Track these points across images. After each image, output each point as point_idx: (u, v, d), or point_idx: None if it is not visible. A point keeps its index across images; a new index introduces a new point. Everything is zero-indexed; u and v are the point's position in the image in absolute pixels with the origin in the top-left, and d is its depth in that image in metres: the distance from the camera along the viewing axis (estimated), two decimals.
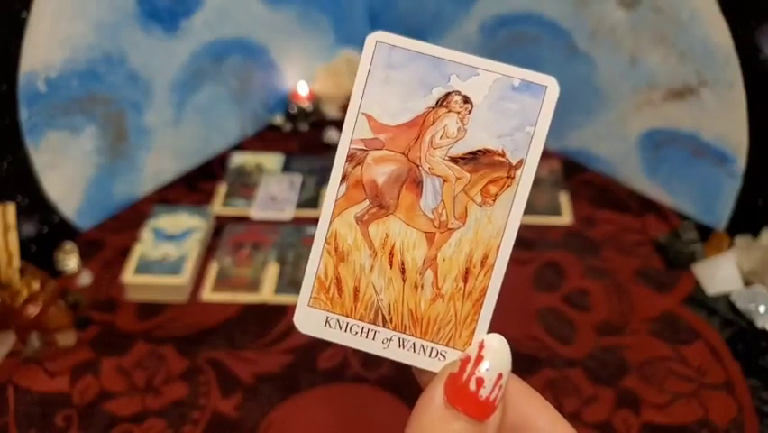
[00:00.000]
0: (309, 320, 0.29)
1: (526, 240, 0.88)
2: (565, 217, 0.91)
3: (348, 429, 0.66)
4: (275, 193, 0.95)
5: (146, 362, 0.73)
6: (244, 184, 0.97)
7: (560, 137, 1.01)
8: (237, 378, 0.71)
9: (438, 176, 0.28)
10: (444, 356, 0.28)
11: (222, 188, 0.97)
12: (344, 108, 1.25)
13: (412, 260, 0.28)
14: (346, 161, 0.29)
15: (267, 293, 0.80)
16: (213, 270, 0.83)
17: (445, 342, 0.28)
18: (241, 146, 1.06)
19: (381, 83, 0.28)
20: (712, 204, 0.86)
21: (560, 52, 0.94)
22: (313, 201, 0.94)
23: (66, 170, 0.84)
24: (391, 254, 0.28)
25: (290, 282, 0.82)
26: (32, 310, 0.72)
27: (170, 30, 0.90)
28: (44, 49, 0.77)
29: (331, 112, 1.13)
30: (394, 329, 0.29)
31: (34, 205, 0.82)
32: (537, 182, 0.95)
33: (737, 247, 0.81)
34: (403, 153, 0.28)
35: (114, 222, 0.92)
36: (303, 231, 0.89)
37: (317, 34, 1.11)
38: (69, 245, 0.84)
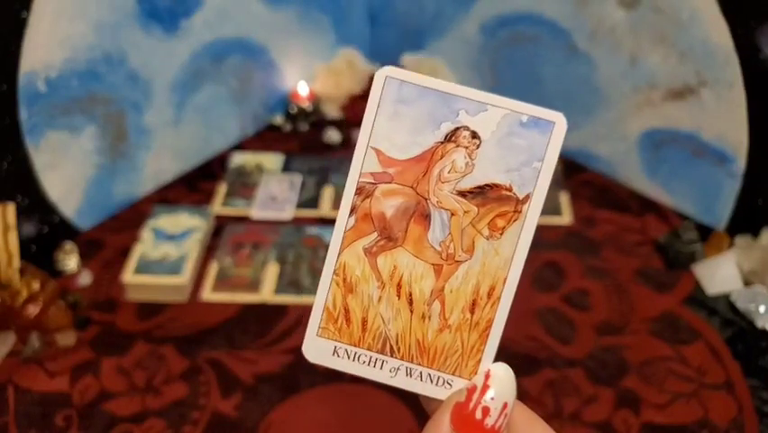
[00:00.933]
0: (318, 350, 0.30)
1: None
2: (565, 217, 0.91)
3: (348, 429, 0.66)
4: (275, 193, 0.95)
5: (146, 362, 0.73)
6: (244, 184, 0.97)
7: None
8: (237, 378, 0.71)
9: (446, 209, 0.29)
10: (451, 385, 0.29)
11: (222, 188, 0.97)
12: (344, 108, 1.25)
13: (420, 291, 0.29)
14: (355, 194, 0.29)
15: (267, 293, 0.80)
16: (213, 270, 0.83)
17: (452, 371, 0.29)
18: (241, 146, 1.06)
19: (391, 118, 0.29)
20: (712, 204, 0.86)
21: (560, 52, 0.94)
22: (313, 201, 0.94)
23: (66, 170, 0.84)
24: (399, 286, 0.29)
25: (290, 282, 0.82)
26: (32, 310, 0.72)
27: (170, 30, 0.90)
28: (44, 49, 0.77)
29: (331, 112, 1.13)
30: (402, 359, 0.29)
31: (34, 205, 0.82)
32: None
33: (737, 247, 0.81)
34: (411, 187, 0.29)
35: (114, 222, 0.92)
36: (303, 231, 0.89)
37: (317, 34, 1.11)
38: (69, 245, 0.84)
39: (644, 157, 0.92)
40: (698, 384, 0.70)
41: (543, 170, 0.29)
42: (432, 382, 0.29)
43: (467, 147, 0.29)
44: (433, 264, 0.29)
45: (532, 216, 0.29)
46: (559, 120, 0.29)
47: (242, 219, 0.92)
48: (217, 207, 0.94)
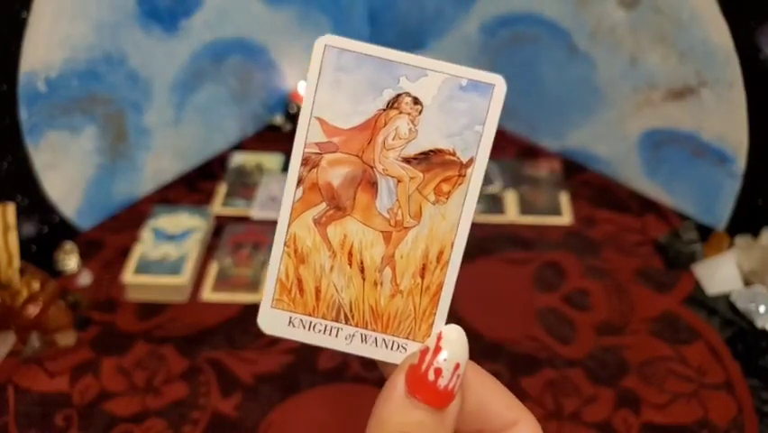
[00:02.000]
0: (273, 321, 0.30)
1: (526, 240, 0.88)
2: (565, 217, 0.91)
3: (348, 429, 0.66)
4: (275, 193, 0.95)
5: (146, 362, 0.73)
6: (244, 184, 0.97)
7: (560, 137, 1.01)
8: (237, 378, 0.71)
9: (392, 177, 0.29)
10: (405, 349, 0.29)
11: (222, 188, 0.97)
12: None
13: (370, 258, 0.29)
14: (301, 165, 0.29)
15: None
16: (213, 270, 0.83)
17: (405, 335, 0.29)
18: (241, 146, 1.06)
19: (332, 86, 0.29)
20: (712, 204, 0.86)
21: (560, 52, 0.94)
22: None
23: (66, 170, 0.84)
24: (350, 254, 0.29)
25: None
26: (32, 310, 0.72)
27: (170, 30, 0.90)
28: (44, 49, 0.77)
29: None
30: (356, 326, 0.30)
31: (34, 205, 0.82)
32: (537, 182, 0.95)
33: (737, 247, 0.81)
34: (357, 156, 0.29)
35: (114, 222, 0.92)
36: None
37: (317, 34, 1.10)
38: (69, 245, 0.84)
39: (644, 157, 0.92)
40: (698, 384, 0.70)
41: (484, 133, 0.29)
42: (387, 346, 0.30)
43: (409, 113, 0.29)
44: (382, 231, 0.29)
45: (476, 179, 0.29)
46: (498, 82, 0.29)
47: (242, 219, 0.92)
48: (217, 207, 0.94)
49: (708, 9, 0.76)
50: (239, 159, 1.02)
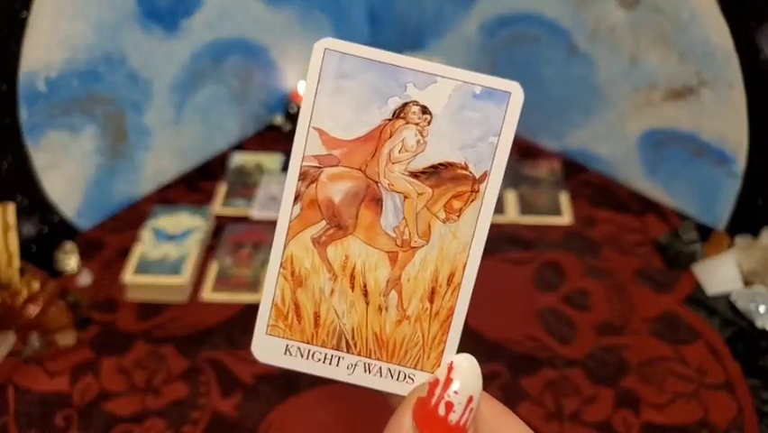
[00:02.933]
0: (268, 349, 0.28)
1: (526, 240, 0.88)
2: (565, 217, 0.91)
3: (348, 429, 0.66)
4: (275, 193, 0.95)
5: (146, 362, 0.73)
6: (244, 184, 0.97)
7: (560, 137, 1.01)
8: (237, 378, 0.71)
9: (398, 192, 0.27)
10: (413, 379, 0.27)
11: (222, 188, 0.97)
12: None
13: (375, 281, 0.27)
14: (299, 180, 0.27)
15: None
16: (213, 270, 0.83)
17: (413, 364, 0.27)
18: (241, 146, 1.06)
19: (333, 94, 0.27)
20: (712, 204, 0.86)
21: (560, 52, 0.94)
22: None
23: (66, 170, 0.84)
24: (352, 276, 0.27)
25: None
26: (32, 310, 0.72)
27: (170, 30, 0.90)
28: (44, 49, 0.77)
29: None
30: (359, 354, 0.27)
31: (34, 205, 0.82)
32: (537, 182, 0.95)
33: (737, 247, 0.81)
34: (360, 169, 0.27)
35: (114, 222, 0.92)
36: None
37: (317, 34, 1.10)
38: (69, 245, 0.84)
39: (644, 157, 0.92)
40: (698, 384, 0.70)
41: (500, 146, 0.26)
42: (392, 377, 0.27)
43: (417, 123, 0.26)
44: (387, 252, 0.27)
45: (490, 195, 0.27)
46: (515, 90, 0.27)
47: (242, 219, 0.92)
48: (217, 207, 0.94)
49: (708, 9, 0.76)
50: (239, 159, 1.02)
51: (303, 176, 0.27)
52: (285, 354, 0.28)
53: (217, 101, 1.01)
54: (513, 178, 0.96)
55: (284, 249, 0.27)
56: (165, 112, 0.94)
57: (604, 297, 0.80)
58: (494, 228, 0.93)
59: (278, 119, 1.11)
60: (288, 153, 1.17)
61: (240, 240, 0.87)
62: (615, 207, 0.93)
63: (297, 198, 0.27)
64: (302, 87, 1.10)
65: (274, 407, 0.68)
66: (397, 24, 1.13)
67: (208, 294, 0.80)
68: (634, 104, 0.89)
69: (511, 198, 0.93)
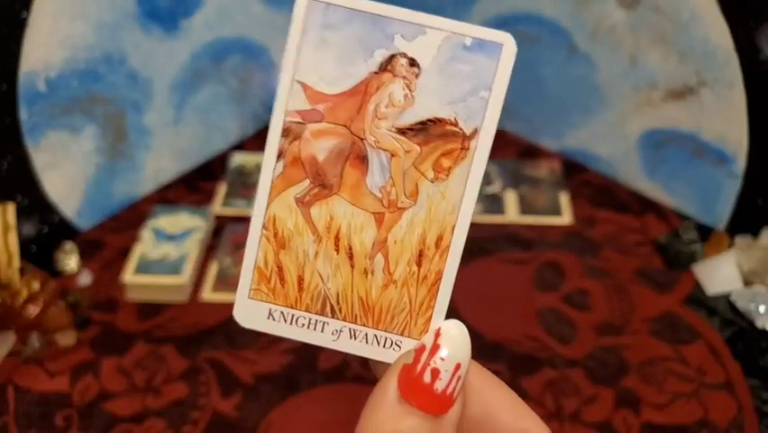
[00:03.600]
0: (251, 313, 0.26)
1: (526, 240, 0.88)
2: (565, 217, 0.91)
3: (348, 429, 0.66)
4: None
5: (146, 362, 0.73)
6: (244, 184, 0.97)
7: (560, 137, 1.01)
8: (237, 378, 0.71)
9: (385, 150, 0.26)
10: (400, 346, 0.26)
11: (222, 188, 0.97)
12: None
13: (360, 243, 0.26)
14: (282, 136, 0.26)
15: None
16: (213, 270, 0.83)
17: (400, 331, 0.26)
18: (241, 146, 1.06)
19: (317, 46, 0.25)
20: (712, 204, 0.86)
21: (560, 52, 0.94)
22: None
23: (66, 170, 0.84)
24: (337, 238, 0.26)
25: None
26: (32, 310, 0.72)
27: (170, 30, 0.90)
28: (44, 49, 0.77)
29: None
30: (344, 319, 0.26)
31: (34, 205, 0.82)
32: (537, 182, 0.95)
33: (737, 247, 0.81)
34: (345, 126, 0.26)
35: (114, 222, 0.92)
36: None
37: None
38: (69, 245, 0.84)
39: (644, 157, 0.92)
40: (698, 384, 0.70)
41: (491, 100, 0.25)
42: (378, 343, 0.26)
43: (405, 77, 0.25)
44: (373, 213, 0.26)
45: (481, 153, 0.25)
46: (507, 41, 0.25)
47: (242, 219, 0.92)
48: (217, 207, 0.94)
49: (708, 9, 0.76)
50: (239, 159, 1.02)
51: (286, 132, 0.26)
52: (268, 318, 0.26)
53: (217, 101, 1.01)
54: (513, 178, 0.96)
55: (266, 209, 0.26)
56: (165, 112, 0.94)
57: (604, 297, 0.80)
58: (494, 228, 0.93)
59: None
60: None
61: (240, 240, 0.87)
62: (615, 207, 0.93)
63: (279, 155, 0.26)
64: None
65: (274, 407, 0.68)
66: None
67: (208, 294, 0.80)
68: (634, 104, 0.89)
69: (511, 198, 0.93)
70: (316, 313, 0.26)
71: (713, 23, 0.77)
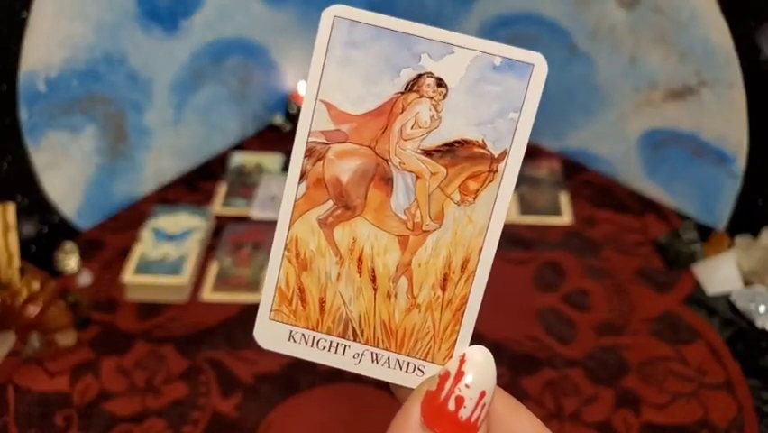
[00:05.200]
0: (271, 335, 0.26)
1: (526, 240, 0.88)
2: (565, 217, 0.91)
3: (348, 429, 0.66)
4: (275, 193, 0.95)
5: (146, 362, 0.73)
6: (244, 184, 0.97)
7: (560, 137, 1.01)
8: (237, 378, 0.71)
9: (410, 172, 0.25)
10: (423, 371, 0.25)
11: (222, 188, 0.97)
12: None
13: (383, 266, 0.25)
14: (305, 157, 0.25)
15: None
16: (213, 270, 0.83)
17: (423, 356, 0.25)
18: (241, 146, 1.06)
19: (342, 65, 0.24)
20: (712, 204, 0.86)
21: (560, 52, 0.94)
22: None
23: (66, 170, 0.84)
24: (360, 261, 0.25)
25: None
26: (32, 310, 0.72)
27: (170, 30, 0.90)
28: (44, 49, 0.77)
29: None
30: (366, 343, 0.26)
31: (34, 205, 0.82)
32: (537, 182, 0.95)
33: (737, 247, 0.81)
34: (369, 146, 0.25)
35: (114, 222, 0.92)
36: None
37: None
38: (69, 245, 0.84)
39: (644, 157, 0.92)
40: (698, 384, 0.70)
41: (521, 122, 0.24)
42: (401, 368, 0.25)
43: (432, 97, 0.24)
44: (397, 235, 0.25)
45: (509, 176, 0.24)
46: (538, 61, 0.24)
47: (242, 219, 0.92)
48: (217, 207, 0.93)
49: (708, 9, 0.76)
50: (239, 159, 1.02)
51: (309, 153, 0.25)
52: (289, 340, 0.26)
53: (217, 101, 1.01)
54: None
55: (288, 230, 0.26)
56: (165, 112, 0.94)
57: (604, 297, 0.80)
58: None
59: (279, 119, 1.11)
60: (288, 154, 1.18)
61: (240, 240, 0.87)
62: (615, 207, 0.93)
63: (302, 176, 0.25)
64: (302, 87, 1.10)
65: (274, 407, 0.68)
66: None
67: (208, 294, 0.80)
68: (634, 104, 0.89)
69: (511, 198, 0.93)
70: (338, 336, 0.26)
71: (713, 23, 0.77)
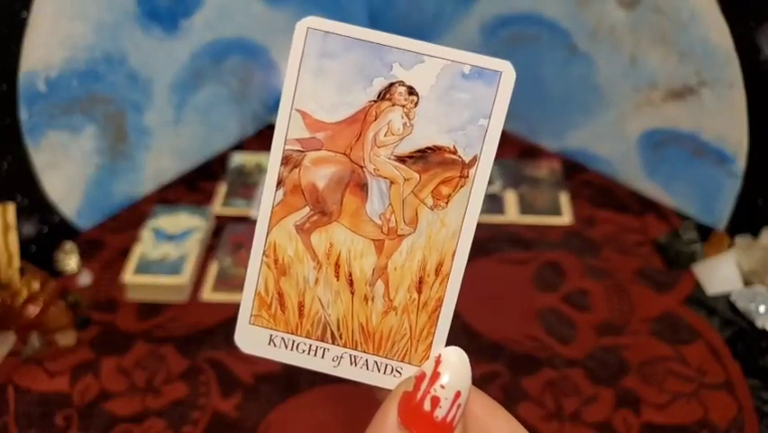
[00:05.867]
0: (252, 339, 0.27)
1: (526, 240, 0.88)
2: (565, 217, 0.91)
3: (348, 429, 0.66)
4: None
5: (146, 362, 0.73)
6: (244, 184, 0.97)
7: (560, 137, 1.01)
8: (237, 378, 0.71)
9: (384, 178, 0.26)
10: (400, 373, 0.26)
11: (222, 188, 0.97)
12: None
13: (360, 270, 0.26)
14: (281, 165, 0.26)
15: None
16: (213, 270, 0.83)
17: (400, 357, 0.26)
18: (241, 146, 1.06)
19: (315, 75, 0.26)
20: (712, 204, 0.86)
21: (560, 52, 0.94)
22: None
23: (66, 170, 0.84)
24: (337, 265, 0.26)
25: None
26: (32, 310, 0.72)
27: (170, 30, 0.90)
28: (44, 49, 0.77)
29: None
30: (344, 346, 0.27)
31: (34, 205, 0.82)
32: (537, 182, 0.95)
33: (737, 247, 0.81)
34: (344, 153, 0.26)
35: (114, 222, 0.92)
36: None
37: None
38: (69, 245, 0.84)
39: (645, 157, 0.92)
40: (698, 384, 0.70)
41: (490, 128, 0.25)
42: (379, 370, 0.27)
43: (404, 105, 0.25)
44: (373, 240, 0.26)
45: (480, 180, 0.26)
46: (506, 69, 0.25)
47: (242, 219, 0.92)
48: (217, 207, 0.94)
49: (708, 9, 0.76)
50: (239, 159, 1.02)
51: (285, 160, 0.26)
52: (269, 344, 0.27)
53: (217, 101, 1.01)
54: (513, 178, 0.96)
55: (266, 236, 0.27)
56: (165, 112, 0.94)
57: (604, 297, 0.80)
58: (494, 228, 0.93)
59: None
60: None
61: (240, 240, 0.87)
62: (615, 207, 0.93)
63: (279, 183, 0.26)
64: None
65: (274, 407, 0.68)
66: (397, 24, 1.13)
67: (208, 294, 0.80)
68: (634, 104, 0.89)
69: (511, 198, 0.93)
70: (317, 339, 0.27)
71: (713, 23, 0.77)
